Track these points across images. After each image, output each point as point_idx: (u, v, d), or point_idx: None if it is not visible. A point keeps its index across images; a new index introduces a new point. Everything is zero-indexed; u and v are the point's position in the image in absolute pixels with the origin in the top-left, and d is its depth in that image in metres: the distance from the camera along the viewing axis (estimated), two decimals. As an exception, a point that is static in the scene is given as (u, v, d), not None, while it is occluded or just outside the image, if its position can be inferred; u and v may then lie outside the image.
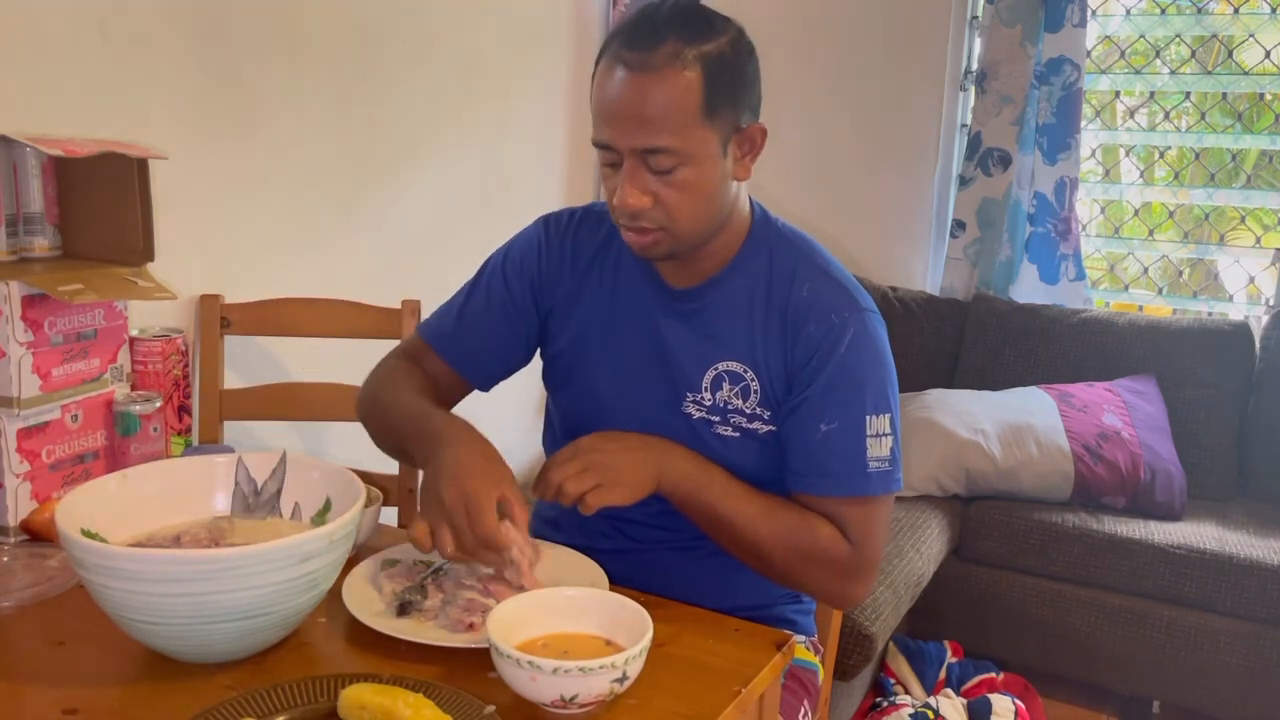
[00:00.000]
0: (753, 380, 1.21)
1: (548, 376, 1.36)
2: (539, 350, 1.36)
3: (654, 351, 1.25)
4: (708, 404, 1.23)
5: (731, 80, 1.12)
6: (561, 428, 1.37)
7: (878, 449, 1.16)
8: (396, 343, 1.82)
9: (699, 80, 1.09)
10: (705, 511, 1.17)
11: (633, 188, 1.11)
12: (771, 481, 1.21)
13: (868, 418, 1.16)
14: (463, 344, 1.33)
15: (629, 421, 1.25)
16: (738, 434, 1.23)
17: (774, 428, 1.22)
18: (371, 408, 1.30)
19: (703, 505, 1.16)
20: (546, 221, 1.34)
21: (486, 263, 1.36)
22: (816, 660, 1.41)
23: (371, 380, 1.34)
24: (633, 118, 1.09)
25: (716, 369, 1.22)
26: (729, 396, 1.22)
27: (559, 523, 1.37)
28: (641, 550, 1.28)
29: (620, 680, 0.88)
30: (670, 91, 1.08)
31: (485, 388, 1.36)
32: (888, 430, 1.17)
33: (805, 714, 1.34)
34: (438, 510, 1.04)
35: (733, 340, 1.22)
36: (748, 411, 1.22)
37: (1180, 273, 3.20)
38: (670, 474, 1.16)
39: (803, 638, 1.36)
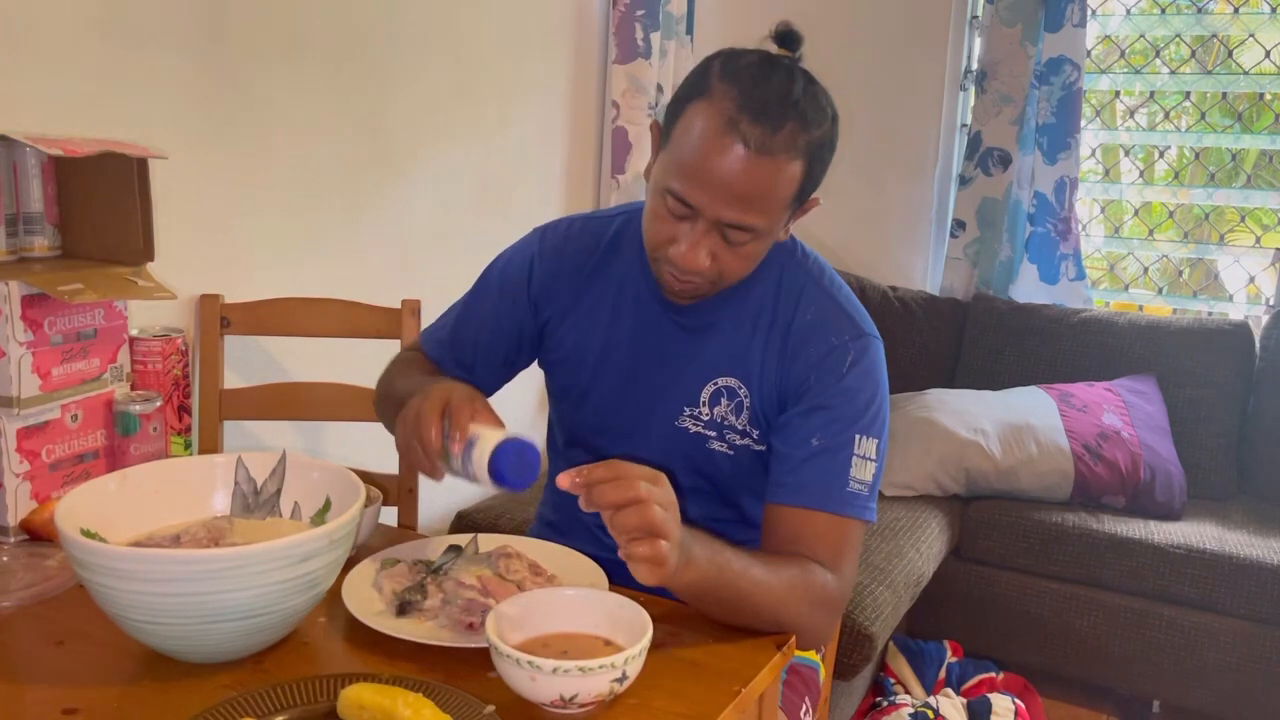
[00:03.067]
0: (746, 397, 1.21)
1: (548, 383, 1.36)
2: (537, 359, 1.36)
3: (655, 364, 1.25)
4: (705, 419, 1.23)
5: (822, 168, 1.11)
6: (562, 435, 1.37)
7: (861, 471, 1.15)
8: (397, 343, 1.84)
9: (802, 170, 1.08)
10: (727, 591, 1.03)
11: (702, 251, 1.10)
12: (762, 497, 1.20)
13: (857, 437, 1.15)
14: (461, 353, 1.34)
15: (627, 433, 1.26)
16: (732, 451, 1.22)
17: (764, 447, 1.21)
18: (385, 398, 1.31)
19: (725, 586, 1.02)
20: (543, 232, 1.34)
21: (484, 272, 1.36)
22: (817, 658, 1.41)
23: (385, 373, 1.36)
24: (734, 194, 1.06)
25: (716, 384, 1.22)
26: (725, 412, 1.22)
27: (559, 525, 1.37)
28: None
29: (620, 680, 0.88)
30: (777, 179, 1.06)
31: (487, 394, 1.33)
32: (873, 455, 1.16)
33: (807, 711, 1.34)
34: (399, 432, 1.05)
35: (733, 356, 1.21)
36: (739, 428, 1.22)
37: (1180, 272, 3.20)
38: (698, 558, 0.99)
39: None
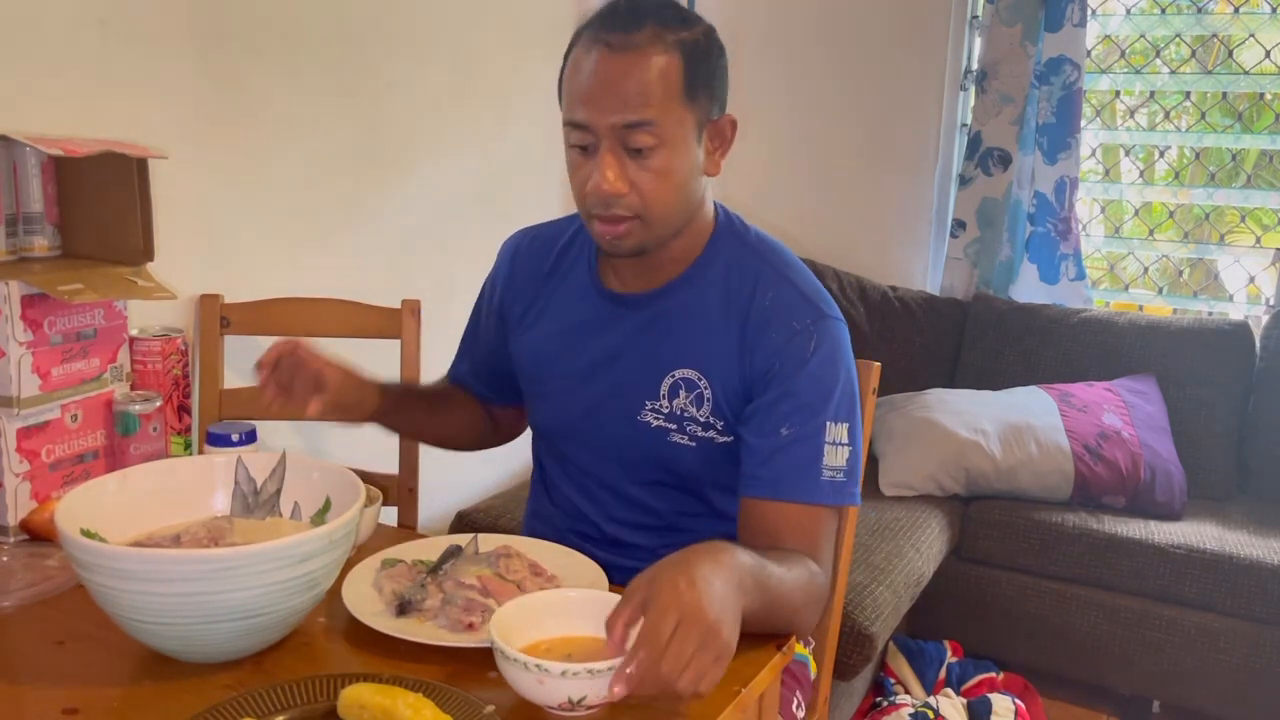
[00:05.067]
0: (706, 389, 1.20)
1: (521, 389, 1.38)
2: None
3: (612, 361, 1.24)
4: (665, 411, 1.22)
5: (707, 68, 1.13)
6: (539, 440, 1.39)
7: (834, 458, 1.14)
8: (397, 343, 1.84)
9: (679, 63, 1.10)
10: (763, 597, 0.99)
11: (610, 171, 1.10)
12: (730, 490, 1.20)
13: (828, 424, 1.14)
14: (480, 376, 1.43)
15: (592, 432, 1.26)
16: (694, 443, 1.21)
17: (730, 439, 1.20)
18: None
19: (761, 593, 0.99)
20: (507, 242, 1.39)
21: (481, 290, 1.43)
22: (807, 652, 1.41)
23: None
24: (615, 94, 1.08)
25: (674, 376, 1.21)
26: (685, 404, 1.21)
27: (555, 524, 1.37)
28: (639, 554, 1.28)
29: (627, 682, 0.88)
30: (653, 69, 1.09)
31: (502, 404, 1.45)
32: (845, 440, 1.15)
33: (798, 705, 1.35)
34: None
35: (688, 347, 1.20)
36: (701, 420, 1.20)
37: (1180, 272, 3.20)
38: (744, 582, 0.95)
39: None
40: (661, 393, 1.21)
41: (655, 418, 1.22)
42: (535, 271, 1.33)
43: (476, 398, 1.45)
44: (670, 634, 0.84)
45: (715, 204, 1.25)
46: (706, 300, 1.20)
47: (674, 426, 1.21)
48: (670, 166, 1.12)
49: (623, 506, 1.28)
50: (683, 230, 1.19)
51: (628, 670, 0.84)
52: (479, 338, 1.42)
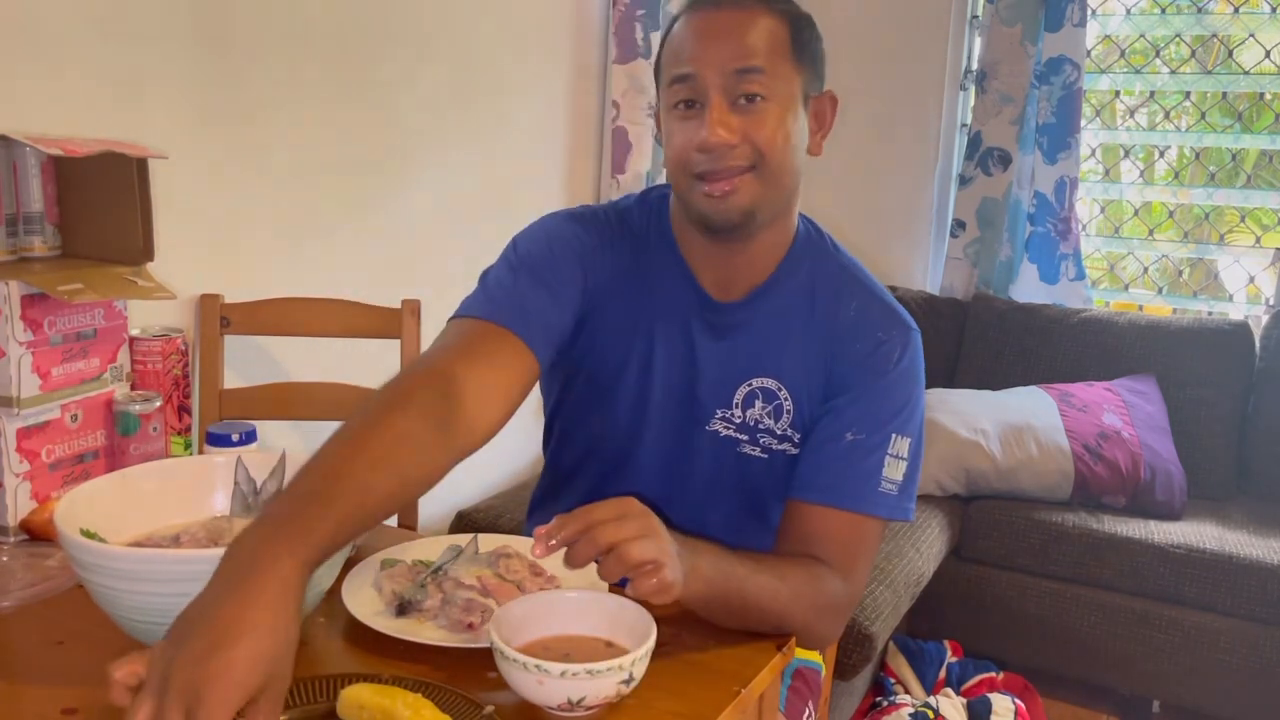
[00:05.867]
0: (786, 400, 1.16)
1: (560, 384, 1.26)
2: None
3: (686, 363, 1.18)
4: (737, 421, 1.18)
5: (813, 37, 1.13)
6: (579, 444, 1.27)
7: (893, 470, 1.12)
8: (397, 343, 1.84)
9: (786, 29, 1.09)
10: (734, 597, 1.01)
11: (720, 119, 1.05)
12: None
13: (894, 435, 1.13)
14: (529, 315, 1.10)
15: (652, 435, 1.20)
16: (765, 455, 1.17)
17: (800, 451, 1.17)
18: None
19: (732, 593, 1.00)
20: (583, 214, 1.21)
21: (516, 245, 1.19)
22: (821, 659, 1.40)
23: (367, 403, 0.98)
24: (725, 42, 1.06)
25: (750, 385, 1.17)
26: (760, 415, 1.17)
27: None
28: None
29: (627, 682, 0.88)
30: (764, 26, 1.08)
31: (546, 367, 1.14)
32: (906, 454, 1.13)
33: (810, 714, 1.34)
34: (161, 670, 0.71)
35: (770, 356, 1.17)
36: (778, 432, 1.17)
37: (1180, 272, 3.20)
38: (702, 567, 0.96)
39: None
40: (735, 401, 1.18)
41: (725, 427, 1.18)
42: (620, 255, 1.19)
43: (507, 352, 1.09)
44: (604, 511, 0.87)
45: (799, 213, 1.22)
46: (792, 308, 1.17)
47: (745, 438, 1.18)
48: (779, 119, 1.08)
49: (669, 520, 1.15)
50: (782, 214, 1.15)
51: (550, 544, 0.86)
52: (540, 277, 1.13)
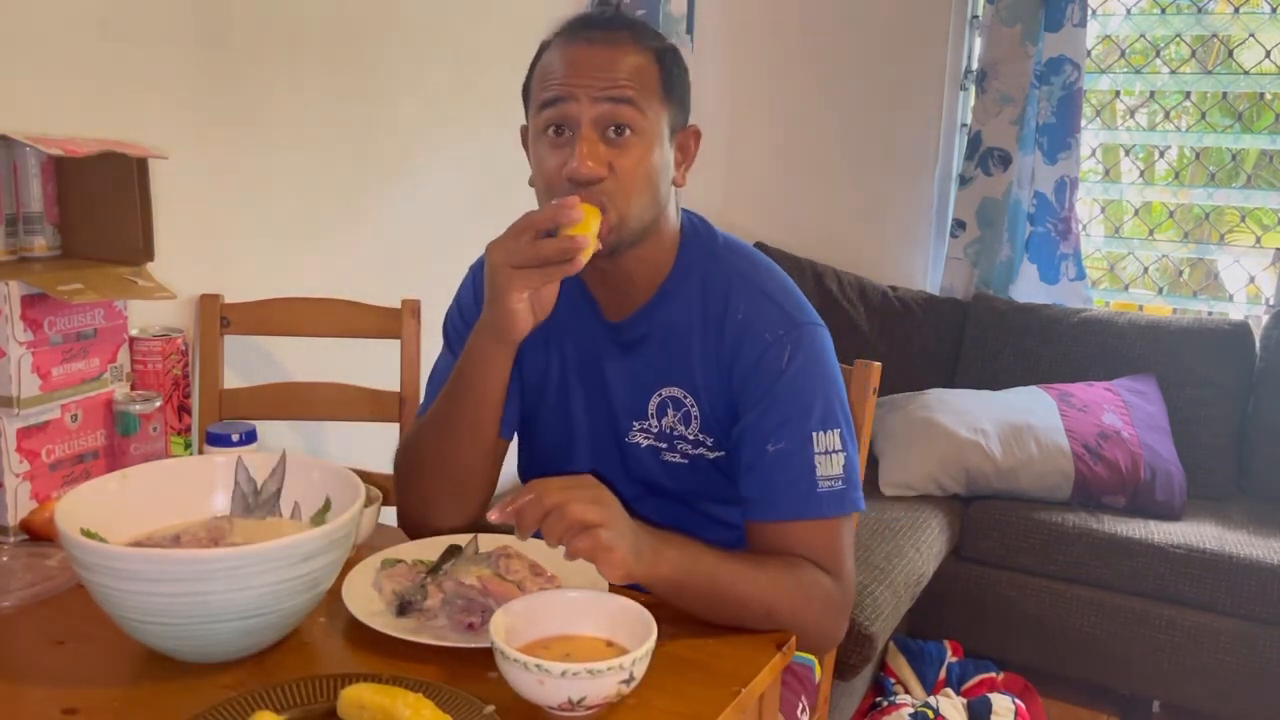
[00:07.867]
0: (693, 406, 1.19)
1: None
2: None
3: (598, 384, 1.23)
4: (654, 430, 1.21)
5: (679, 75, 1.16)
6: (526, 448, 1.35)
7: (828, 467, 1.12)
8: (397, 343, 1.84)
9: (655, 66, 1.13)
10: (704, 581, 1.03)
11: (589, 151, 1.08)
12: (730, 502, 1.19)
13: (815, 434, 1.12)
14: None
15: (582, 448, 1.25)
16: (686, 460, 1.20)
17: (721, 454, 1.19)
18: (428, 426, 1.22)
19: (701, 575, 1.03)
20: (474, 272, 1.33)
21: (444, 326, 1.34)
22: (812, 656, 1.41)
23: (403, 442, 1.29)
24: (600, 75, 1.09)
25: (660, 395, 1.20)
26: (674, 423, 1.20)
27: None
28: None
29: (628, 681, 0.88)
30: (634, 61, 1.11)
31: (508, 437, 1.28)
32: (838, 446, 1.13)
33: (804, 710, 1.34)
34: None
35: (673, 366, 1.19)
36: (690, 438, 1.20)
37: (1180, 272, 3.20)
38: (668, 553, 1.00)
39: None
40: (649, 411, 1.21)
41: (645, 437, 1.21)
42: None
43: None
44: (557, 480, 0.95)
45: (682, 211, 1.24)
46: (685, 317, 1.19)
47: (664, 445, 1.21)
48: (645, 156, 1.11)
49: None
50: (649, 234, 1.16)
51: (506, 510, 0.94)
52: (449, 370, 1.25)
